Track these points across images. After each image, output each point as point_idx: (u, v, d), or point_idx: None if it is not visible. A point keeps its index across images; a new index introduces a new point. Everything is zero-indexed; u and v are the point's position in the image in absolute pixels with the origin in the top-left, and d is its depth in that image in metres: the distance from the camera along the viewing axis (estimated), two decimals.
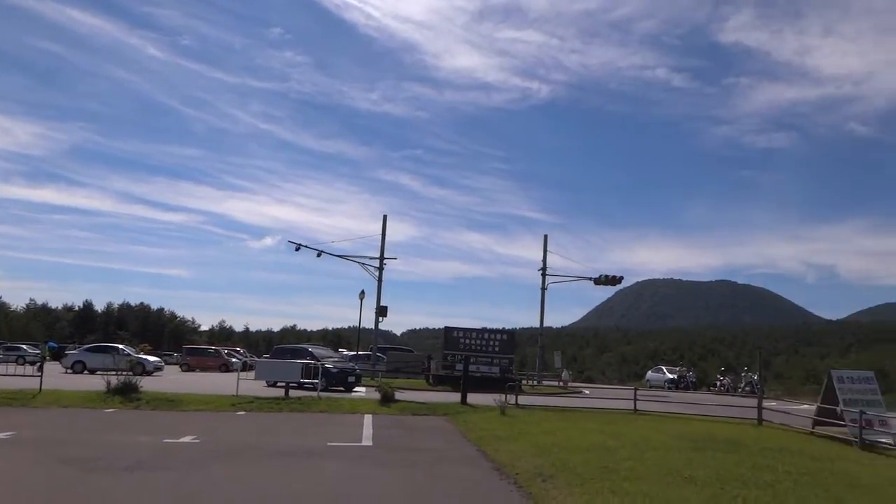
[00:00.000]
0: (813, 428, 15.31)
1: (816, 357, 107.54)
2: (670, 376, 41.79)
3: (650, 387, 40.50)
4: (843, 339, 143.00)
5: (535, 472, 8.57)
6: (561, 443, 11.33)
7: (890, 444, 13.25)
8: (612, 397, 21.91)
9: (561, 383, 37.45)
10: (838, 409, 14.20)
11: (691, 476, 8.43)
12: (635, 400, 19.11)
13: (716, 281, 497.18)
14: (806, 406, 23.81)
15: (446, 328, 30.93)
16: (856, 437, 13.13)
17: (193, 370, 41.17)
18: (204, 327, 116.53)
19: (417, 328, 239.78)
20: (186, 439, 10.73)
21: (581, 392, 32.38)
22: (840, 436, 14.11)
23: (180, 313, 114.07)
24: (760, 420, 17.01)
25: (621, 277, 37.99)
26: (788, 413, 17.87)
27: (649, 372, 47.34)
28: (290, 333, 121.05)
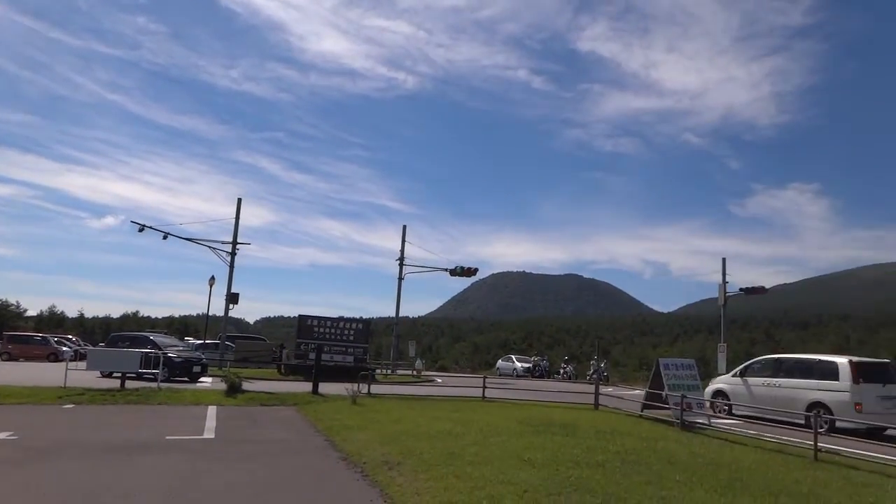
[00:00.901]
0: (642, 411, 16.60)
1: (649, 346, 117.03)
2: (520, 365, 43.74)
3: (500, 375, 42.14)
4: (672, 330, 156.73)
5: (383, 460, 8.63)
6: (409, 430, 11.49)
7: (705, 424, 14.71)
8: (462, 385, 22.56)
9: (414, 372, 37.98)
10: (664, 393, 15.52)
11: (530, 459, 8.87)
12: (484, 388, 19.76)
13: (564, 275, 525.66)
14: (638, 391, 25.70)
15: (300, 316, 30.34)
16: (677, 419, 14.42)
17: (16, 359, 37.34)
18: (31, 312, 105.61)
19: (272, 316, 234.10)
20: (2, 436, 9.73)
21: (434, 381, 33.02)
22: (665, 418, 15.41)
23: (2, 296, 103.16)
24: (597, 405, 18.22)
25: (476, 269, 39.11)
26: (622, 398, 19.25)
27: (500, 361, 49.28)
28: (132, 320, 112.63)
